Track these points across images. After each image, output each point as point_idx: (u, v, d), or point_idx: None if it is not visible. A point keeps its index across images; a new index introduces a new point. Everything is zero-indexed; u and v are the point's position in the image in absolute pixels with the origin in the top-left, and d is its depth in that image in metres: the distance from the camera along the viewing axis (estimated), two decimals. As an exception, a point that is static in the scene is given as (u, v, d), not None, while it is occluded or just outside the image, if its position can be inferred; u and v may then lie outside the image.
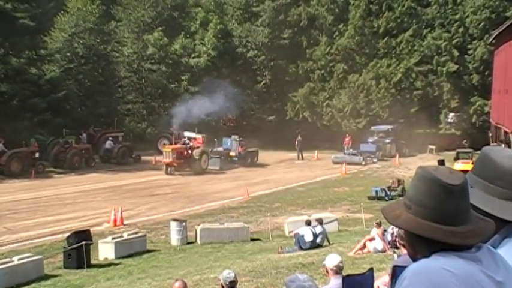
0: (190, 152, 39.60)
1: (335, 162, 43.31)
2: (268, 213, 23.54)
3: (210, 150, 41.78)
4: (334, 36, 53.93)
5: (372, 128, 48.49)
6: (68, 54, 51.04)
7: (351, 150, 45.55)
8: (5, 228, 22.70)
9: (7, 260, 16.16)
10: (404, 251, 5.55)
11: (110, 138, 42.84)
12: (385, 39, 51.67)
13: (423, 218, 2.16)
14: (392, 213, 2.27)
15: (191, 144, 40.35)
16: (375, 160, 44.86)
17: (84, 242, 16.95)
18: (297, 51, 54.37)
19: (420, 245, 2.18)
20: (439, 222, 2.14)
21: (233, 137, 44.19)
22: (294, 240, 18.22)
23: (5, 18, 45.13)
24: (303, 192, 32.19)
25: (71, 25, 51.05)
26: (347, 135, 49.26)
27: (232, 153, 43.12)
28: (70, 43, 50.87)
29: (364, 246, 16.01)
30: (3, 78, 46.03)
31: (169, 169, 38.31)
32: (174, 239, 20.13)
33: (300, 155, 47.65)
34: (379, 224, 16.37)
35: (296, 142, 48.12)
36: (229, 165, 41.88)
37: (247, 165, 42.70)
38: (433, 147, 47.43)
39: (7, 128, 40.96)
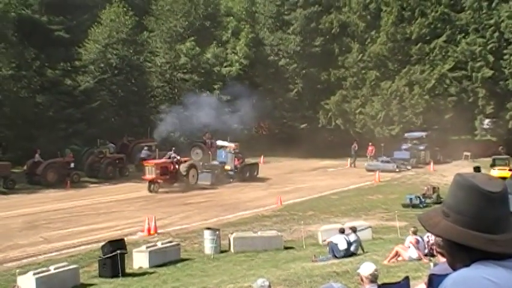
0: (177, 166, 36.70)
1: (368, 170, 43.01)
2: (302, 222, 23.44)
3: (201, 164, 39.07)
4: (367, 43, 53.65)
5: (406, 134, 48.03)
6: (102, 65, 51.69)
7: (384, 157, 45.11)
8: (41, 238, 22.99)
9: (44, 269, 16.34)
10: (441, 259, 5.45)
11: (146, 147, 43.04)
12: (418, 45, 51.15)
13: (463, 226, 2.11)
14: (430, 221, 2.23)
15: (178, 158, 37.12)
16: (409, 167, 44.40)
17: (118, 251, 17.06)
18: (328, 59, 54.20)
19: (460, 253, 2.13)
20: (480, 230, 2.08)
21: (228, 148, 41.29)
22: (328, 248, 18.09)
23: (41, 30, 46.02)
24: (337, 200, 31.99)
25: (105, 36, 51.72)
26: (370, 144, 48.88)
27: (227, 167, 39.95)
28: (104, 54, 51.52)
29: (397, 254, 15.81)
30: (39, 90, 46.88)
31: (152, 186, 35.07)
32: (208, 247, 20.14)
33: (354, 162, 47.23)
34: (415, 232, 16.16)
35: (352, 149, 47.69)
36: (224, 180, 38.86)
37: (245, 179, 39.61)
38: (469, 153, 46.79)
39: (43, 139, 41.62)
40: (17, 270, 16.52)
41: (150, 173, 35.33)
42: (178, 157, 37.08)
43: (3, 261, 19.40)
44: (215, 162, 40.00)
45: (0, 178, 35.76)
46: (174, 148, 38.83)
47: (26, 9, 47.64)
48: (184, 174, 36.24)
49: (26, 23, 46.24)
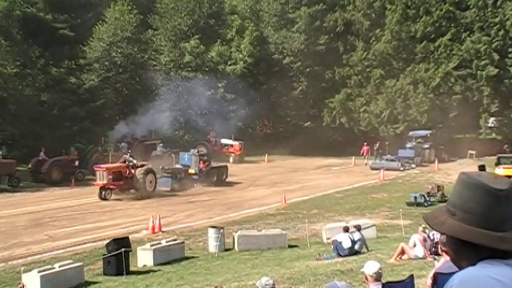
0: (132, 171, 33.35)
1: (373, 168, 42.97)
2: (306, 220, 23.42)
3: (160, 168, 35.46)
4: (371, 41, 53.60)
5: (410, 133, 47.97)
6: (106, 63, 51.80)
7: (388, 156, 45.03)
8: (46, 236, 23.04)
9: (49, 266, 16.37)
10: (446, 257, 5.43)
11: (161, 144, 42.89)
12: (423, 44, 51.07)
13: (470, 224, 2.10)
14: (436, 220, 2.22)
15: (134, 161, 33.79)
16: (413, 166, 44.35)
17: (123, 249, 17.07)
18: (333, 57, 54.15)
19: (466, 252, 2.12)
20: (487, 228, 2.08)
21: (192, 150, 38.55)
22: (332, 247, 18.08)
23: (45, 28, 46.17)
24: (341, 199, 31.96)
25: (109, 34, 51.80)
26: (364, 143, 48.78)
27: (191, 171, 36.88)
28: (108, 52, 51.61)
29: (403, 252, 15.79)
30: (43, 88, 46.99)
31: (103, 193, 31.69)
32: (212, 245, 20.15)
33: (377, 159, 46.52)
34: (424, 230, 16.14)
35: (375, 148, 47.42)
36: (187, 185, 35.89)
37: (211, 184, 36.73)
38: (473, 152, 46.72)
39: (47, 137, 41.73)
40: (22, 268, 16.57)
41: (101, 178, 32.08)
42: (135, 161, 33.93)
43: (8, 259, 19.45)
44: (177, 166, 37.25)
45: (5, 176, 35.86)
46: (130, 151, 36.22)
47: (31, 8, 47.82)
48: (141, 179, 32.79)
49: (31, 22, 46.40)
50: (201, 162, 37.33)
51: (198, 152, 38.19)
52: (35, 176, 37.74)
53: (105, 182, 31.86)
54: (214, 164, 38.82)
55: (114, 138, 41.92)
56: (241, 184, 37.84)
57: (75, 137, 43.27)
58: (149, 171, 33.38)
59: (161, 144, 42.44)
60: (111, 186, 32.27)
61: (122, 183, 32.89)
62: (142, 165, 33.82)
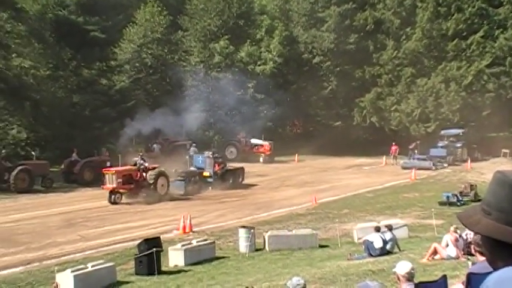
0: (143, 174, 32.25)
1: (404, 168, 42.64)
2: (337, 220, 23.33)
3: (174, 171, 34.46)
4: (402, 39, 53.13)
5: (442, 132, 47.47)
6: (137, 64, 52.24)
7: (418, 155, 44.55)
8: (78, 236, 23.29)
9: (81, 266, 16.55)
10: (479, 258, 5.35)
11: (194, 144, 42.96)
12: (455, 41, 50.44)
13: (506, 223, 2.06)
14: (470, 219, 2.18)
15: (145, 164, 32.65)
16: (445, 165, 43.89)
17: (154, 249, 17.17)
18: (363, 56, 53.81)
19: (502, 252, 2.08)
20: None
21: (206, 153, 37.29)
22: (363, 247, 17.97)
23: (77, 31, 46.75)
24: (372, 198, 31.76)
25: (140, 36, 52.24)
26: (393, 143, 48.24)
27: (206, 173, 35.67)
28: (139, 54, 52.05)
29: (435, 252, 15.63)
30: (75, 90, 47.60)
31: (113, 197, 30.66)
32: (243, 245, 20.15)
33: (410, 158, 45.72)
34: (455, 230, 15.95)
35: (409, 147, 46.94)
36: (202, 188, 34.78)
37: (227, 187, 35.41)
38: (507, 151, 46.07)
39: (79, 138, 42.18)
40: (56, 268, 16.78)
41: (111, 181, 31.07)
42: (146, 164, 32.77)
43: (42, 259, 19.70)
44: (192, 169, 36.08)
45: (39, 177, 36.31)
46: (141, 154, 34.55)
47: (63, 10, 48.48)
48: (152, 183, 31.59)
49: (63, 24, 47.04)
50: (216, 164, 36.24)
51: (213, 154, 37.09)
52: (67, 176, 38.16)
53: (114, 185, 30.91)
54: (229, 166, 37.65)
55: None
56: (271, 184, 37.81)
57: (107, 138, 43.67)
58: (161, 174, 32.22)
59: (194, 145, 42.43)
60: (121, 190, 31.26)
61: (133, 186, 31.78)
62: (153, 168, 32.67)
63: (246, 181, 37.60)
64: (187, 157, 37.72)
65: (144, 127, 38.95)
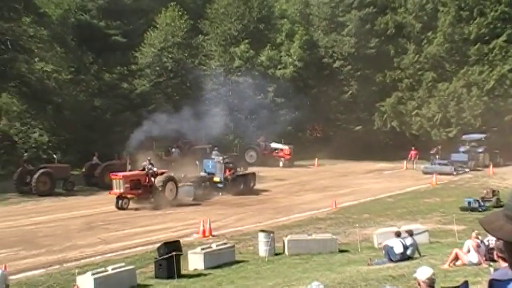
0: (152, 179, 31.63)
1: (425, 173, 42.36)
2: (357, 225, 23.24)
3: (182, 176, 33.80)
4: (423, 44, 52.87)
5: (464, 136, 47.11)
6: (157, 68, 52.44)
7: (440, 160, 44.23)
8: (99, 239, 23.43)
9: (102, 269, 16.64)
10: (502, 264, 5.28)
11: (216, 148, 42.94)
12: (477, 46, 50.08)
13: None
14: (493, 225, 2.15)
15: (154, 169, 31.99)
16: (467, 170, 43.54)
17: (174, 253, 17.22)
18: (384, 60, 53.59)
19: (526, 258, 2.04)
20: None
21: (216, 158, 36.35)
22: (384, 252, 17.87)
23: (98, 35, 47.15)
24: (392, 203, 31.59)
25: (160, 40, 52.43)
26: (413, 148, 47.86)
27: (216, 179, 35.02)
28: (159, 58, 52.24)
29: (457, 258, 15.48)
30: (96, 93, 47.96)
31: (120, 202, 30.14)
32: (262, 250, 20.14)
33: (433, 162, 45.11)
34: (477, 236, 15.80)
35: (431, 152, 46.49)
36: (211, 194, 34.42)
37: (238, 192, 34.74)
38: (530, 156, 45.57)
39: (100, 142, 42.43)
40: (77, 271, 16.88)
41: (118, 187, 30.41)
42: (155, 169, 32.10)
43: (63, 261, 19.85)
44: (202, 174, 35.40)
45: (60, 180, 36.59)
46: (150, 158, 33.09)
47: (85, 15, 48.90)
48: (160, 188, 30.96)
49: (85, 28, 47.46)
50: (227, 169, 35.44)
51: (223, 159, 36.22)
52: (88, 180, 38.37)
53: (121, 190, 30.28)
54: (240, 171, 36.85)
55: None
56: (291, 188, 37.74)
57: (127, 142, 43.88)
58: (169, 179, 31.60)
59: (216, 148, 42.37)
60: (129, 195, 30.75)
61: (140, 191, 31.24)
62: (162, 173, 32.03)
63: (265, 185, 37.62)
64: (197, 162, 36.89)
65: (164, 131, 38.90)
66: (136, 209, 30.33)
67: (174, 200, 31.47)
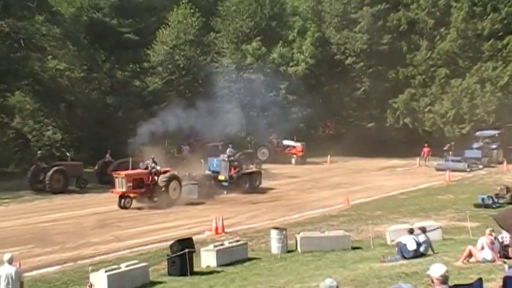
0: (155, 178, 30.97)
1: (438, 169, 42.21)
2: (370, 222, 23.15)
3: (186, 174, 33.51)
4: (436, 40, 52.55)
5: (477, 133, 46.85)
6: (170, 66, 52.56)
7: (453, 157, 44.01)
8: (112, 236, 23.52)
9: (115, 266, 16.68)
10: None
11: (231, 145, 42.88)
12: (490, 42, 49.74)
13: None
14: (507, 222, 2.13)
15: (157, 168, 31.25)
16: (480, 166, 43.32)
17: (187, 250, 17.24)
18: (396, 57, 53.34)
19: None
20: None
21: (221, 156, 35.88)
22: (397, 249, 17.79)
23: (111, 33, 47.32)
24: (405, 200, 31.47)
25: (172, 38, 52.55)
26: (426, 145, 47.58)
27: (221, 177, 34.78)
28: (171, 55, 52.36)
29: (470, 255, 15.38)
30: (109, 91, 48.16)
31: (122, 201, 29.68)
32: (275, 247, 20.11)
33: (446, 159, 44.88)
34: (491, 233, 15.70)
35: (444, 148, 46.33)
36: (216, 192, 33.97)
37: (244, 191, 34.51)
38: (544, 152, 45.24)
39: (112, 139, 42.58)
40: (90, 268, 16.94)
41: (120, 185, 29.86)
42: (158, 167, 31.35)
43: (77, 259, 19.95)
44: (207, 172, 35.13)
45: (73, 178, 36.76)
46: (153, 156, 32.22)
47: (97, 13, 49.08)
48: (163, 187, 30.44)
49: (97, 26, 47.66)
50: (232, 168, 35.06)
51: (228, 157, 35.75)
52: (101, 177, 38.48)
53: (124, 189, 29.76)
54: (246, 170, 36.25)
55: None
56: (304, 185, 37.71)
57: (139, 139, 43.98)
58: (173, 178, 31.03)
59: (230, 145, 42.27)
60: (131, 194, 30.22)
61: (143, 190, 30.72)
62: (165, 171, 31.39)
63: (278, 182, 37.64)
64: (201, 160, 36.62)
65: (176, 128, 38.86)
66: (139, 208, 29.98)
67: (178, 199, 31.02)
